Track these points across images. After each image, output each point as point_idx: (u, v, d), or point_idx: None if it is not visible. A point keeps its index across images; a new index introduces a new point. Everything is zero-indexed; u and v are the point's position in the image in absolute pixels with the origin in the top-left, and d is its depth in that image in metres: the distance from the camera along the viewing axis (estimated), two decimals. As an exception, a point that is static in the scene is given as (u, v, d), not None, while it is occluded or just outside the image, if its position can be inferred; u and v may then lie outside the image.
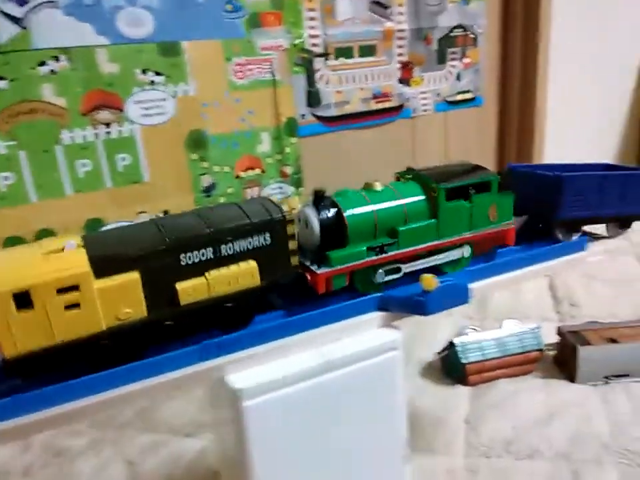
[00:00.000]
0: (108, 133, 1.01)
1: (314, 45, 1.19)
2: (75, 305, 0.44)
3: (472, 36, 1.42)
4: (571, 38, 1.58)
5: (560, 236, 0.67)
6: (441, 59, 1.38)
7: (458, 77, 1.43)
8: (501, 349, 0.96)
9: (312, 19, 1.17)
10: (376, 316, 0.55)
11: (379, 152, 1.30)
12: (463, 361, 0.94)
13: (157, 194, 1.05)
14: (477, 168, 0.64)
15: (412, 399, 0.93)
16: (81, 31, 0.95)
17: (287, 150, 1.19)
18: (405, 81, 1.33)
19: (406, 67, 1.32)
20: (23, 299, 0.42)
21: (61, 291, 0.43)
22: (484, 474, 0.76)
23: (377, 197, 0.58)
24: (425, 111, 1.38)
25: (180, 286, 0.48)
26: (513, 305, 1.22)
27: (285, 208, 0.53)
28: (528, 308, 1.20)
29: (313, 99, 1.21)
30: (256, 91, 1.13)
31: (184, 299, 0.48)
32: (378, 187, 0.59)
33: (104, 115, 1.00)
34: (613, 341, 0.93)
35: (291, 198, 1.18)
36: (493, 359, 0.95)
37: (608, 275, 1.30)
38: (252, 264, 0.51)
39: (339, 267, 0.54)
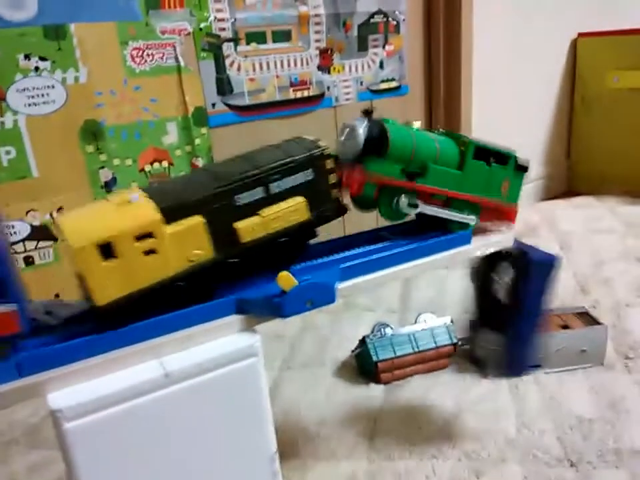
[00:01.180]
0: (-11, 124, 0.92)
1: (222, 29, 1.12)
2: (152, 251, 0.47)
3: (394, 22, 1.38)
4: (495, 22, 1.56)
5: None
6: (362, 46, 1.33)
7: (381, 65, 1.38)
8: (414, 345, 0.93)
9: (218, 1, 1.10)
10: (235, 319, 0.50)
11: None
12: (374, 358, 0.91)
13: (48, 190, 0.97)
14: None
15: (321, 402, 0.89)
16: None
17: (197, 141, 1.12)
18: (324, 68, 1.28)
19: (325, 53, 1.27)
20: (106, 250, 0.45)
21: (139, 238, 0.46)
22: (385, 478, 0.73)
23: (415, 131, 0.62)
24: (348, 100, 1.34)
25: (238, 225, 0.51)
26: (437, 297, 1.19)
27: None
28: (449, 300, 1.17)
29: (224, 86, 1.14)
30: (158, 78, 1.05)
31: (244, 237, 0.51)
32: (417, 124, 0.64)
33: (-17, 104, 0.91)
34: (525, 332, 0.91)
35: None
36: (405, 355, 0.92)
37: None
38: (300, 199, 0.54)
39: (373, 173, 0.57)
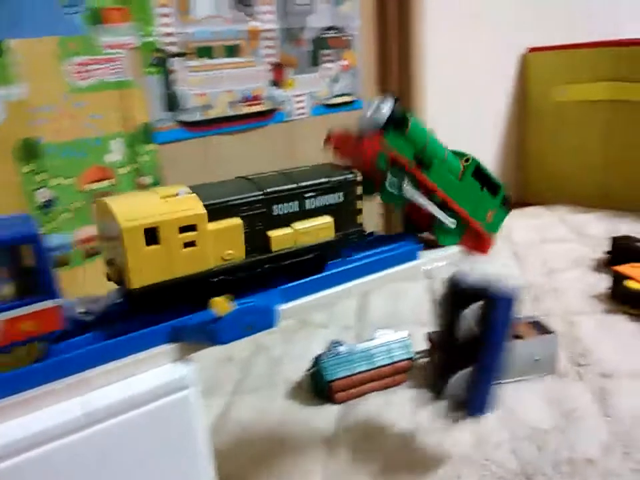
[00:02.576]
0: None
1: (170, 43, 1.10)
2: (191, 244, 0.49)
3: (346, 38, 1.38)
4: (447, 36, 1.59)
5: None
6: (315, 61, 1.33)
7: (334, 80, 1.38)
8: (369, 362, 0.91)
9: (165, 15, 1.08)
10: (168, 348, 0.47)
11: (253, 158, 1.23)
12: (328, 378, 0.89)
13: (-19, 212, 0.92)
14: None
15: (274, 426, 0.87)
16: None
17: (143, 158, 1.09)
18: (276, 83, 1.27)
19: (277, 68, 1.26)
20: (151, 235, 0.46)
21: (182, 230, 0.48)
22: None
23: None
24: (301, 115, 1.33)
25: (272, 234, 0.54)
26: (393, 311, 1.19)
27: None
28: (407, 314, 1.17)
29: (172, 102, 1.12)
30: (102, 93, 1.02)
31: (275, 246, 0.54)
32: None
33: None
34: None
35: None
36: (360, 372, 0.90)
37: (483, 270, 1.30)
38: (328, 219, 0.57)
39: (390, 146, 0.60)
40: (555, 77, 1.83)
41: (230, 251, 0.51)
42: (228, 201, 0.51)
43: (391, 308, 1.20)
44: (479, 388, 0.71)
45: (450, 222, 0.67)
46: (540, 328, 0.95)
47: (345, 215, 0.59)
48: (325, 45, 1.34)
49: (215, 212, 0.50)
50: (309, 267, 0.57)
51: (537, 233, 1.53)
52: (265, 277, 0.55)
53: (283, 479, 0.75)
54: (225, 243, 0.51)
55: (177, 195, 0.50)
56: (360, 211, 0.60)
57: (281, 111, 1.29)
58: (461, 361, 0.72)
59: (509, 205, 0.74)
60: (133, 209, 0.47)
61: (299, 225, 0.55)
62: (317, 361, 0.92)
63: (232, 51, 1.18)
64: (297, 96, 1.31)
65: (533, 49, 1.87)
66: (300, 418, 0.88)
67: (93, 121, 1.02)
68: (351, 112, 1.43)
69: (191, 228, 0.48)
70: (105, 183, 1.05)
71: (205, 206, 0.50)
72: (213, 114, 1.17)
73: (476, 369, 0.71)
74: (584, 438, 0.77)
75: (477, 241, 0.72)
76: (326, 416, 0.88)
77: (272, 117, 1.27)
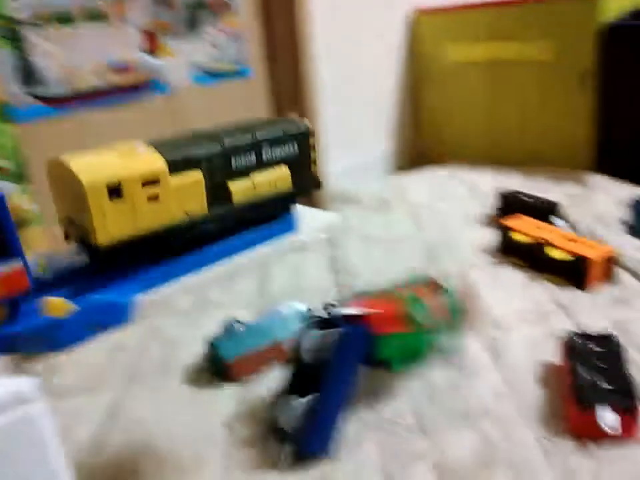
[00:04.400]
0: None
1: (17, 9, 0.97)
2: (154, 198, 0.50)
3: (227, 1, 1.31)
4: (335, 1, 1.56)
5: None
6: (192, 26, 1.25)
7: (217, 46, 1.31)
8: (267, 337, 0.89)
9: (9, -23, 0.95)
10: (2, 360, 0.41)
11: (131, 134, 1.13)
12: (225, 357, 0.85)
13: None
14: None
15: (171, 415, 0.82)
16: None
17: None
18: (150, 51, 1.17)
19: (149, 34, 1.16)
20: (114, 191, 0.48)
21: (145, 184, 0.50)
22: (239, 486, 0.68)
23: None
24: (182, 84, 1.25)
25: (232, 186, 0.56)
26: (294, 285, 1.16)
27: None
28: (309, 286, 1.15)
29: (29, 76, 1.00)
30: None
31: (236, 198, 0.57)
32: None
33: None
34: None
35: (18, 196, 0.97)
36: (259, 349, 0.87)
37: (383, 236, 1.31)
38: (285, 169, 0.60)
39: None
40: (442, 38, 1.86)
41: (193, 206, 0.52)
42: (188, 155, 0.52)
43: (290, 281, 1.17)
44: (316, 421, 0.68)
45: None
46: (435, 287, 0.97)
47: (300, 165, 0.61)
48: (204, 7, 1.26)
49: (177, 166, 0.51)
50: (269, 217, 0.59)
51: (432, 192, 1.56)
52: (227, 230, 0.54)
53: (180, 470, 0.71)
54: (187, 197, 0.52)
55: (136, 150, 0.49)
56: (314, 161, 0.62)
57: (158, 81, 1.20)
58: (302, 386, 0.70)
59: None
60: (94, 166, 0.47)
61: (258, 176, 0.57)
62: (213, 341, 0.88)
63: (94, 16, 1.07)
64: (176, 64, 1.22)
65: (421, 11, 1.89)
66: (198, 403, 0.84)
67: None
68: (237, 80, 1.36)
69: (153, 182, 0.49)
70: (-46, 170, 0.93)
71: (168, 160, 0.50)
72: (79, 87, 1.07)
73: (315, 399, 0.69)
74: (478, 389, 0.79)
75: None
76: (225, 396, 0.84)
77: (147, 88, 1.18)
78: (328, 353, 0.69)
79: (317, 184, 0.64)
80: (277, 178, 0.60)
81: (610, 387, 0.68)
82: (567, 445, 0.66)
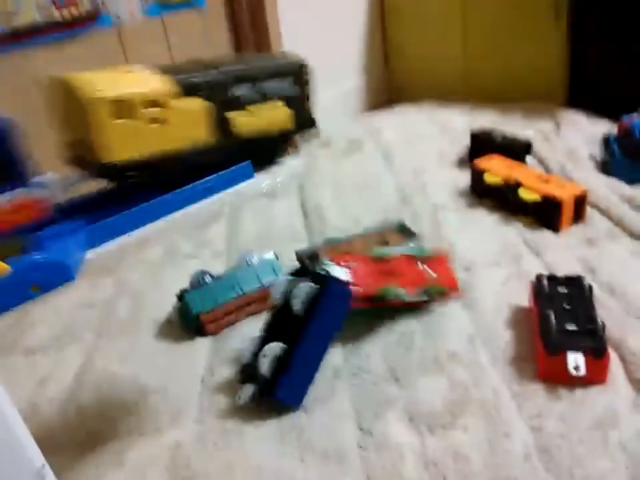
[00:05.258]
0: None
1: None
2: (158, 121, 0.52)
3: None
4: None
5: None
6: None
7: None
8: (237, 289, 0.87)
9: None
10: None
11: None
12: (195, 311, 0.84)
13: None
14: None
15: (143, 369, 0.80)
16: None
17: None
18: (96, -20, 1.06)
19: (94, -39, 1.05)
20: (118, 109, 0.50)
21: (148, 106, 0.53)
22: (212, 439, 0.68)
23: None
24: (132, 16, 1.14)
25: (230, 115, 0.56)
26: (264, 231, 1.13)
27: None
28: (280, 232, 1.12)
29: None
30: None
31: (237, 130, 0.56)
32: None
33: None
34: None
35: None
36: (229, 301, 0.86)
37: (354, 179, 1.28)
38: (282, 104, 0.60)
39: None
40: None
41: (198, 133, 0.52)
42: (193, 80, 0.52)
43: (259, 228, 1.14)
44: (290, 371, 0.68)
45: None
46: (405, 232, 0.95)
47: (296, 101, 0.61)
48: None
49: (182, 91, 0.51)
50: (268, 154, 0.59)
51: (404, 132, 1.52)
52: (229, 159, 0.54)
53: (153, 424, 0.71)
54: (192, 123, 0.52)
55: (139, 72, 0.46)
56: (308, 98, 0.61)
57: (105, 14, 1.09)
58: (280, 334, 0.71)
59: None
60: (98, 83, 0.46)
61: (256, 108, 0.56)
62: (183, 294, 0.86)
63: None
64: (125, -5, 1.12)
65: None
66: (170, 357, 0.83)
67: None
68: (191, 10, 1.26)
69: (157, 105, 0.48)
70: None
71: (170, 84, 0.48)
72: (18, 22, 0.96)
73: (290, 350, 0.69)
74: (448, 334, 0.80)
75: None
76: (197, 350, 0.83)
77: (94, 21, 1.08)
78: (316, 305, 0.69)
79: (311, 122, 0.66)
80: (276, 113, 0.59)
81: (578, 330, 0.69)
82: (535, 389, 0.67)
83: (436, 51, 1.78)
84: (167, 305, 0.92)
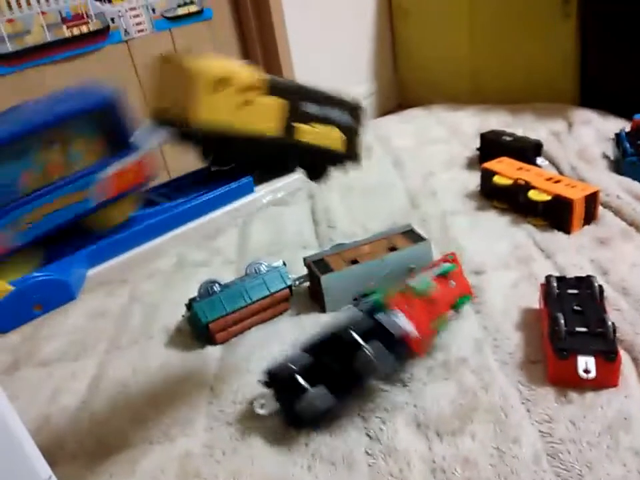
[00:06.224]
0: None
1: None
2: (249, 104, 0.55)
3: None
4: None
5: None
6: (147, -33, 1.15)
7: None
8: (246, 297, 0.87)
9: None
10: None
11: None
12: (204, 319, 0.84)
13: None
14: None
15: (154, 379, 0.81)
16: None
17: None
18: (103, -3, 1.09)
19: (101, -21, 1.08)
20: (216, 85, 0.52)
21: (243, 89, 0.54)
22: (222, 448, 0.68)
23: None
24: (141, 31, 1.17)
25: (297, 125, 0.62)
26: (275, 239, 1.14)
27: None
28: (290, 240, 1.13)
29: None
30: None
31: (299, 135, 0.62)
32: None
33: None
34: (354, 262, 0.90)
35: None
36: (238, 309, 0.86)
37: (364, 184, 1.28)
38: (338, 131, 0.65)
39: None
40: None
41: (274, 125, 0.58)
42: (277, 80, 0.59)
43: (270, 236, 1.15)
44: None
45: None
46: (414, 236, 0.95)
47: (351, 134, 0.66)
48: (158, -54, 1.16)
49: (271, 89, 0.58)
50: (316, 169, 0.66)
51: (414, 136, 1.52)
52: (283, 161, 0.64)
53: (163, 433, 0.72)
54: (271, 115, 0.58)
55: (239, 63, 0.56)
56: (360, 136, 0.67)
57: (115, 30, 1.12)
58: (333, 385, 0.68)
59: None
60: (203, 62, 0.52)
61: (317, 126, 0.63)
62: (192, 303, 0.87)
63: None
64: (132, 9, 1.14)
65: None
66: (181, 366, 0.83)
67: None
68: (199, 24, 1.28)
69: (249, 90, 0.54)
70: None
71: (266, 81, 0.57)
72: (28, 42, 0.99)
73: (335, 402, 0.67)
74: (457, 338, 0.79)
75: None
76: (208, 358, 0.84)
77: (105, 38, 1.10)
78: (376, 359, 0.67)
79: (357, 157, 0.70)
80: (333, 135, 0.65)
81: (588, 332, 0.68)
82: (545, 393, 0.66)
83: (445, 52, 1.78)
84: (178, 314, 0.93)
